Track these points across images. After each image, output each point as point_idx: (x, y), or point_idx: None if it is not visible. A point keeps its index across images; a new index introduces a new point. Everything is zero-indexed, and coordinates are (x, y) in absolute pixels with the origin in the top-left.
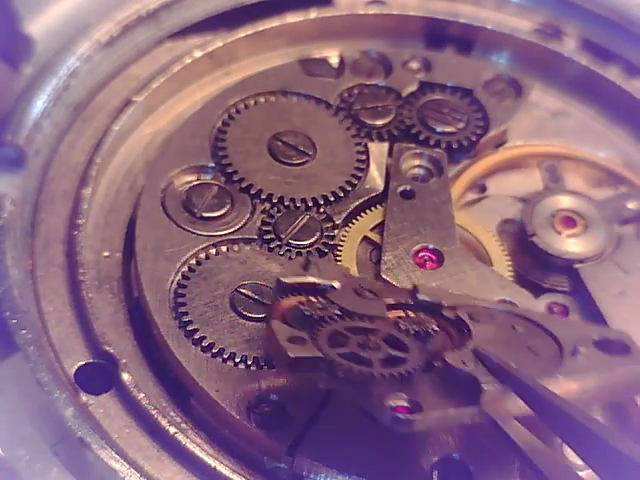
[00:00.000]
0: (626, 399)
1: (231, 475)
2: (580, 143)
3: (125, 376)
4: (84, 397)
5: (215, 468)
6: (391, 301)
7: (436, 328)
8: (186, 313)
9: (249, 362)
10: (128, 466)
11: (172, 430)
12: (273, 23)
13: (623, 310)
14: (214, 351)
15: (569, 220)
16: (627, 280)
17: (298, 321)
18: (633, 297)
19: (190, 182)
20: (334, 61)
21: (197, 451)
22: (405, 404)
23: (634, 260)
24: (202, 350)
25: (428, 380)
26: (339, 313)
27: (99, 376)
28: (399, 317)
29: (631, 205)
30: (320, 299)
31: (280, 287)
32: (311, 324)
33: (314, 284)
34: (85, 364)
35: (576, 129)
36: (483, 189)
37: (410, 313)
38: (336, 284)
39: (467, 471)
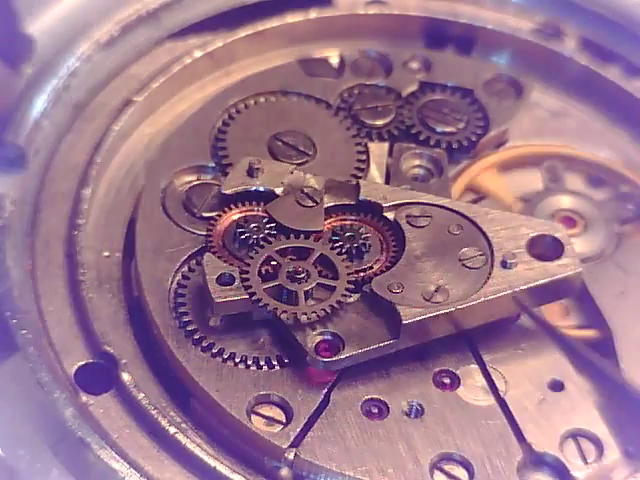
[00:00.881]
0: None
1: (231, 475)
2: (580, 143)
3: (125, 376)
4: (84, 397)
5: (215, 468)
6: (332, 203)
7: (369, 242)
8: (186, 313)
9: (249, 362)
10: (128, 466)
11: (172, 430)
12: (273, 23)
13: (623, 310)
14: (214, 351)
15: (569, 220)
16: (627, 280)
17: (236, 240)
18: (633, 297)
19: (190, 182)
20: (334, 61)
21: (197, 451)
22: (329, 338)
23: (634, 260)
24: (202, 350)
25: (354, 310)
26: (274, 233)
27: (99, 376)
28: (334, 229)
29: (631, 205)
30: (259, 211)
31: (223, 198)
32: (247, 245)
33: (256, 192)
34: (85, 364)
35: (576, 129)
36: None
37: (347, 222)
38: (278, 190)
39: (467, 470)
